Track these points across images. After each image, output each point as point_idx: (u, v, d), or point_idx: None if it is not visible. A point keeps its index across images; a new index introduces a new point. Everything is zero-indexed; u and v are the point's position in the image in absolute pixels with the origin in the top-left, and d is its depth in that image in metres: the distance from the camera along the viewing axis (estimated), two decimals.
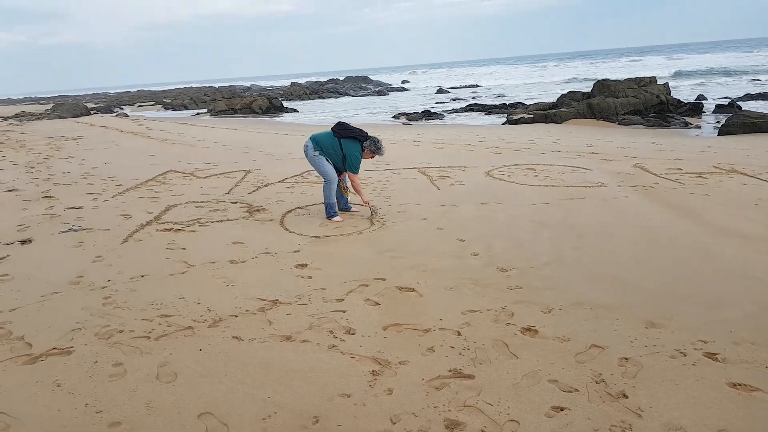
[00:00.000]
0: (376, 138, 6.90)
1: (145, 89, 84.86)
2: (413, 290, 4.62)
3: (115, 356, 3.58)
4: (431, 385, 3.22)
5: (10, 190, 8.80)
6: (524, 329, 3.91)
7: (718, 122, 19.21)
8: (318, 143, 6.84)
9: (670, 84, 25.65)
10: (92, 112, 34.72)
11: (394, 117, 27.58)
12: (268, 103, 33.54)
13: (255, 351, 3.65)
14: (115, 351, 3.64)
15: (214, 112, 32.96)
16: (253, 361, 3.51)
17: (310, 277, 4.95)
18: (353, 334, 3.86)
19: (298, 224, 6.73)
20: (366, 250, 5.69)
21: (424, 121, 25.65)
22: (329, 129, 6.97)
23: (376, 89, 51.76)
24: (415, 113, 27.50)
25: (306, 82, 58.15)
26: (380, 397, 3.11)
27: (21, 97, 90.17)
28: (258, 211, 7.40)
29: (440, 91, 43.21)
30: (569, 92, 25.10)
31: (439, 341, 3.74)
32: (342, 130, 6.86)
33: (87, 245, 5.97)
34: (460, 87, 46.70)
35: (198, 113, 35.03)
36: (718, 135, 16.59)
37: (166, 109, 42.28)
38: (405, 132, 18.11)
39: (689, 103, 23.15)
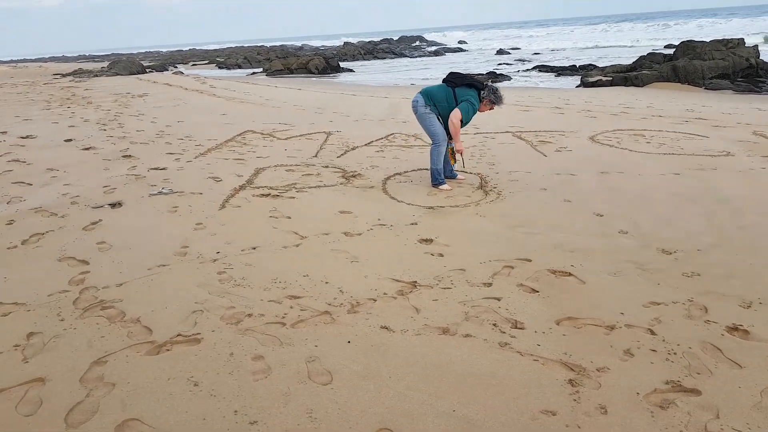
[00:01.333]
0: (494, 86, 6.15)
1: (197, 48, 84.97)
2: (570, 275, 3.95)
3: (251, 347, 3.05)
4: (651, 402, 2.58)
5: (87, 148, 8.45)
6: (730, 328, 3.22)
7: None
8: (430, 97, 6.13)
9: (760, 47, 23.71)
10: (147, 70, 34.66)
11: None
12: (324, 63, 32.82)
13: (412, 346, 3.07)
14: (249, 340, 3.12)
15: (270, 72, 32.47)
16: (417, 360, 2.93)
17: (441, 255, 4.33)
18: (522, 328, 3.24)
19: (404, 192, 6.11)
20: (493, 225, 5.03)
21: (490, 82, 24.50)
22: (440, 82, 6.26)
23: (432, 50, 50.24)
24: (480, 75, 26.31)
25: (358, 42, 56.92)
26: (594, 417, 2.49)
27: (75, 55, 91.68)
28: (354, 176, 6.80)
29: (500, 52, 41.53)
30: (649, 54, 23.51)
31: (633, 342, 3.08)
32: (456, 79, 6.13)
33: (182, 210, 5.49)
34: (519, 49, 44.78)
35: (253, 72, 34.59)
36: None
37: (219, 68, 42.03)
38: None
39: None
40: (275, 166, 7.35)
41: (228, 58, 46.04)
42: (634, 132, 9.32)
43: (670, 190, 5.95)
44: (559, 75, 26.43)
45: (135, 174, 6.91)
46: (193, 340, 3.13)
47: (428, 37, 64.29)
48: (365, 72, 33.17)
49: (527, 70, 29.02)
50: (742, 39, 22.25)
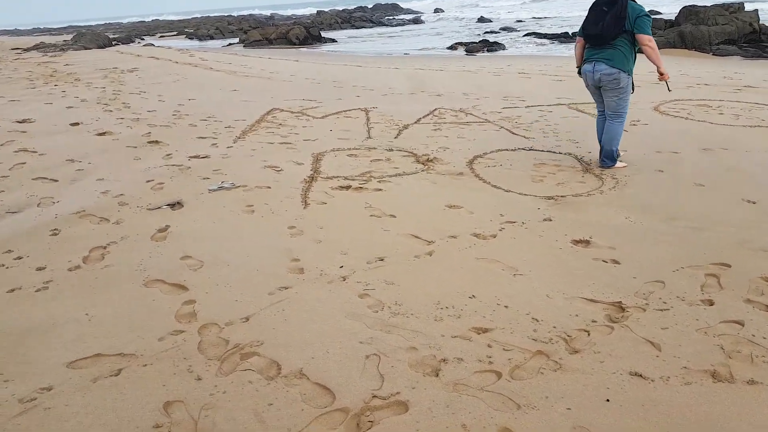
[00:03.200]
0: None
1: (160, 19, 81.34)
2: None
3: (482, 414, 2.26)
4: None
5: (102, 133, 7.39)
6: None
7: None
8: (615, 58, 5.06)
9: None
10: (113, 42, 32.64)
11: (450, 48, 25.53)
12: (305, 33, 31.42)
13: (688, 403, 2.32)
14: (471, 402, 2.33)
15: (248, 43, 30.89)
16: (705, 425, 2.18)
17: (617, 262, 3.59)
18: None
19: (502, 178, 5.32)
20: (643, 218, 4.30)
21: (486, 51, 23.65)
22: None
23: (411, 17, 48.86)
24: (473, 43, 25.40)
25: (330, 11, 55.02)
26: None
27: (30, 28, 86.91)
28: (430, 161, 5.97)
29: (482, 20, 40.51)
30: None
31: None
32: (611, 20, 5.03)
33: (260, 210, 4.61)
34: (500, 17, 43.79)
35: (230, 44, 32.92)
36: None
37: (190, 39, 40.06)
38: (486, 63, 16.34)
39: None
40: (332, 150, 6.45)
41: (197, 29, 43.95)
42: (698, 102, 8.66)
43: None
44: (553, 42, 25.74)
45: (176, 164, 5.94)
46: (397, 405, 2.33)
47: (403, 4, 62.64)
48: (351, 42, 31.89)
49: (520, 37, 28.21)
50: (742, 3, 21.79)
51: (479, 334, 2.82)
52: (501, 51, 23.71)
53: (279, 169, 5.74)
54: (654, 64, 5.14)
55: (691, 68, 13.40)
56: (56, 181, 5.48)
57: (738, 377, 2.45)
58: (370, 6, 56.83)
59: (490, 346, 2.70)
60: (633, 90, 5.33)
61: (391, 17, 49.66)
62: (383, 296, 3.19)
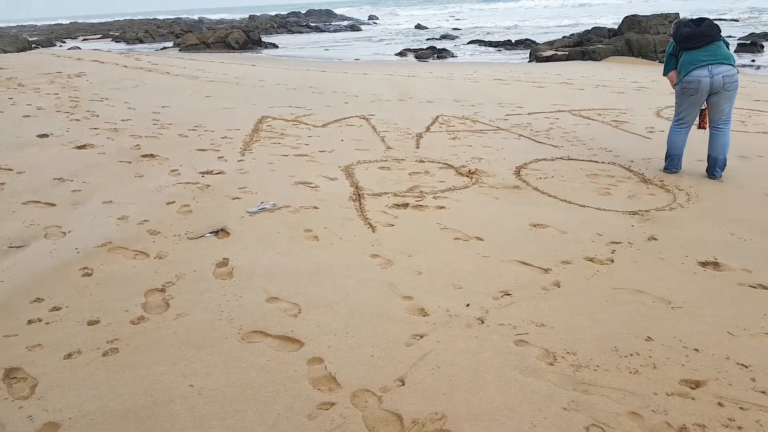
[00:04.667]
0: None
1: (79, 22, 76.84)
2: None
3: None
4: None
5: (81, 146, 6.47)
6: None
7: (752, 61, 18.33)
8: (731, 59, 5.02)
9: None
10: (33, 45, 30.32)
11: (400, 54, 25.28)
12: (245, 37, 30.43)
13: None
14: None
15: (184, 46, 29.61)
16: None
17: (765, 288, 3.23)
18: None
19: (567, 192, 4.95)
20: (748, 233, 4.01)
21: (436, 58, 23.53)
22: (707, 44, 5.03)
23: (347, 24, 48.37)
24: (422, 50, 25.27)
25: (263, 16, 53.66)
26: None
27: None
28: (473, 173, 5.51)
29: (419, 27, 40.63)
30: (594, 28, 23.56)
31: None
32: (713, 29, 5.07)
33: (323, 235, 3.99)
34: (435, 27, 44.03)
35: (164, 47, 31.37)
36: None
37: (117, 42, 38.00)
38: (451, 69, 16.14)
39: None
40: (358, 163, 5.88)
41: (124, 32, 41.71)
42: None
43: None
44: (499, 50, 26.00)
45: (190, 182, 5.20)
46: None
47: (336, 11, 62.00)
48: (294, 47, 31.10)
49: (464, 45, 28.36)
50: (677, 13, 22.75)
51: (694, 388, 2.36)
52: (450, 58, 23.66)
53: (313, 185, 5.12)
54: None
55: (650, 75, 13.65)
56: (54, 205, 4.62)
57: None
58: (303, 12, 55.87)
59: (722, 405, 2.25)
60: None
61: (326, 23, 49.03)
62: (544, 342, 2.68)
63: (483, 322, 2.86)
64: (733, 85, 4.94)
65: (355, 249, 3.76)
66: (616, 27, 22.57)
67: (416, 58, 23.82)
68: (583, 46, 20.88)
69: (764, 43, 21.41)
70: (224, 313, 2.95)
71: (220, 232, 4.06)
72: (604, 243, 3.84)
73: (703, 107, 5.21)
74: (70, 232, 4.06)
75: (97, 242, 3.85)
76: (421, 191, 4.96)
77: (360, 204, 4.62)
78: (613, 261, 3.57)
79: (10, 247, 3.81)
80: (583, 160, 5.93)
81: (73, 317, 2.93)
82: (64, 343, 2.70)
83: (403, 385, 2.39)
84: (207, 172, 5.50)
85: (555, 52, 20.52)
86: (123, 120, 7.92)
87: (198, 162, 5.86)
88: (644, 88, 11.15)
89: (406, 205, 4.60)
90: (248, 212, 4.45)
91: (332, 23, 49.22)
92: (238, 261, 3.58)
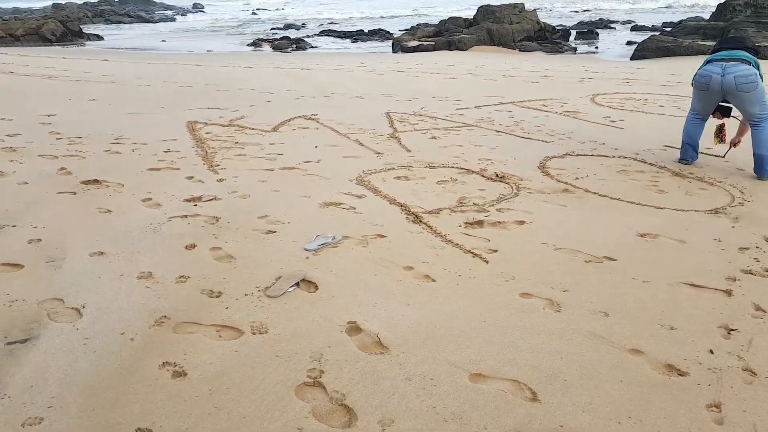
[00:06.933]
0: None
1: None
2: None
3: None
4: None
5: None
6: None
7: (593, 47, 20.03)
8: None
9: None
10: None
11: (253, 44, 23.83)
12: (62, 28, 26.77)
13: None
14: None
15: None
16: None
17: None
18: None
19: (630, 192, 4.65)
20: None
21: (295, 49, 22.53)
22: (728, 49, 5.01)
23: (172, 12, 44.74)
24: (278, 40, 24.07)
25: (69, 3, 47.65)
26: None
27: None
28: (502, 177, 5.00)
29: (255, 12, 38.85)
30: (450, 18, 24.12)
31: None
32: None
33: (430, 272, 3.21)
34: (270, 9, 42.45)
35: None
36: (631, 59, 17.01)
37: None
38: (337, 60, 15.39)
39: (559, 29, 23.86)
40: (368, 173, 5.07)
41: None
42: (626, 96, 9.01)
43: None
44: (355, 41, 25.70)
45: (189, 215, 4.03)
46: None
47: None
48: (124, 38, 27.98)
49: (317, 35, 27.60)
50: (523, 4, 24.19)
51: None
52: (310, 49, 22.85)
53: (347, 207, 4.24)
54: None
55: (533, 63, 14.19)
56: (21, 266, 3.23)
57: None
58: (116, 0, 50.49)
59: None
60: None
61: (148, 12, 44.92)
62: None
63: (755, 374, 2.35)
64: (750, 87, 4.84)
65: (490, 288, 3.04)
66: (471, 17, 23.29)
67: (273, 49, 22.63)
68: (445, 36, 21.27)
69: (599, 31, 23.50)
70: (439, 413, 2.11)
71: (301, 282, 3.09)
72: (736, 249, 3.55)
73: (721, 122, 5.21)
74: (84, 306, 2.81)
75: (151, 319, 2.69)
76: (474, 203, 4.32)
77: (428, 227, 3.86)
78: (755, 274, 3.27)
79: (8, 344, 2.52)
80: (590, 155, 5.70)
81: None
82: None
83: None
84: (195, 199, 4.32)
85: (420, 43, 20.63)
86: (9, 136, 6.15)
87: (166, 186, 4.62)
88: (549, 77, 11.43)
89: (480, 223, 3.94)
90: (307, 249, 3.48)
91: (155, 12, 45.23)
92: (369, 324, 2.69)
